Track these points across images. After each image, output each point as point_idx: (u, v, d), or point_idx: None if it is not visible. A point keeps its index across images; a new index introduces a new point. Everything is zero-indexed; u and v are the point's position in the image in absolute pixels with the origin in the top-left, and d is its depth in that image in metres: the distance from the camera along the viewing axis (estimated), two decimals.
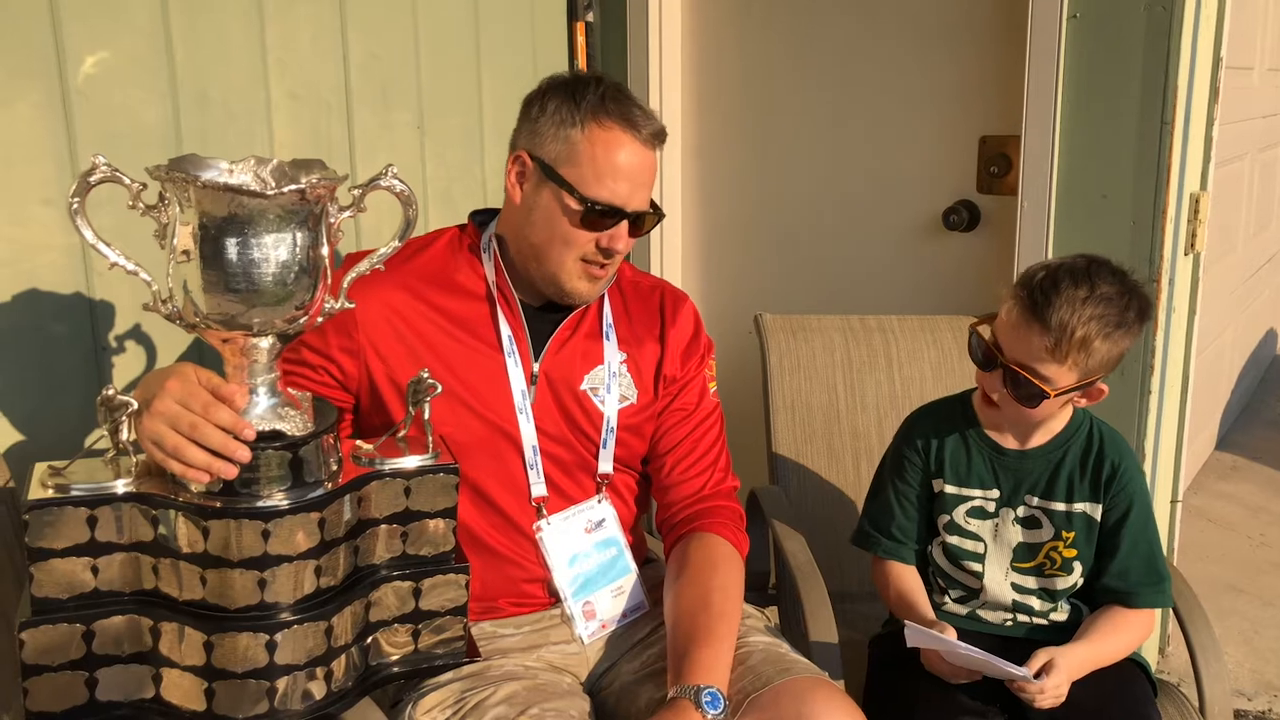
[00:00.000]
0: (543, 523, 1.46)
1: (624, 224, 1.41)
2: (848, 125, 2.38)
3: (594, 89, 1.39)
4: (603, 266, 1.43)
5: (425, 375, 1.24)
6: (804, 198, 2.48)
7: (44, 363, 1.62)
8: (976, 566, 1.53)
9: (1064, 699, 1.39)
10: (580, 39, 2.50)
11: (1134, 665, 1.52)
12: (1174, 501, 2.28)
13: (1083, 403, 1.48)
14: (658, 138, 1.42)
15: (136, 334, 1.71)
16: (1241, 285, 3.86)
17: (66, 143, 1.61)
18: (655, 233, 2.60)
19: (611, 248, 1.41)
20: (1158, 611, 1.73)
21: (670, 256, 2.66)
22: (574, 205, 1.38)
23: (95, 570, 1.13)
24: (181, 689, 1.15)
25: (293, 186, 1.08)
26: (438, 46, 2.17)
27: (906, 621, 1.41)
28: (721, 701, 1.24)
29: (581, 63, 2.51)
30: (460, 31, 2.23)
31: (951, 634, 1.41)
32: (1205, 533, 3.15)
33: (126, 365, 1.71)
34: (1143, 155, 1.93)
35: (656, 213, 1.46)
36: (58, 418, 1.62)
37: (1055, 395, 1.40)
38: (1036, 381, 1.39)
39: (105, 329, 1.69)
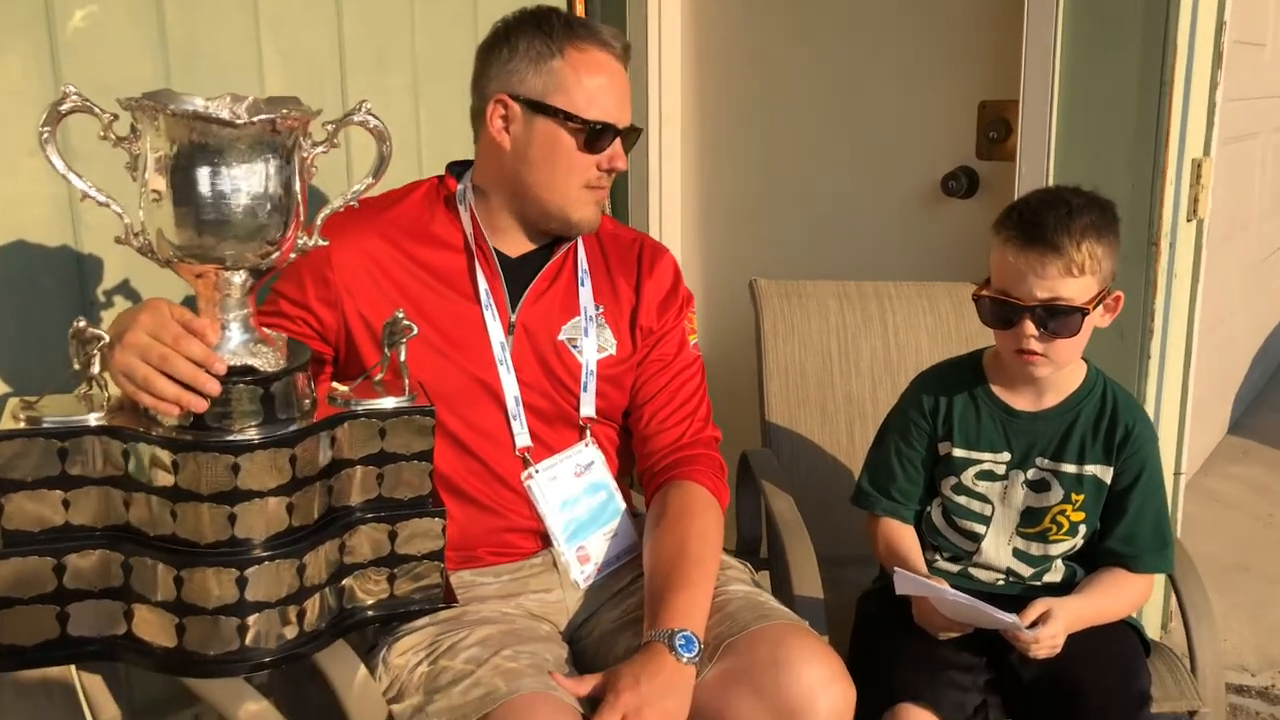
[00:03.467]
0: (531, 470, 1.46)
1: (619, 141, 1.43)
2: (847, 91, 2.36)
3: (557, 18, 1.41)
4: (603, 189, 1.46)
5: (400, 316, 1.23)
6: (803, 164, 2.46)
7: (32, 316, 1.62)
8: (980, 528, 1.51)
9: (1059, 650, 1.37)
10: (579, 4, 2.49)
11: (1126, 625, 1.50)
12: (1177, 474, 2.24)
13: (1108, 319, 1.45)
14: (628, 52, 1.46)
15: (125, 288, 1.71)
16: (1256, 265, 3.82)
17: (55, 96, 1.61)
18: (654, 199, 2.59)
19: (614, 167, 1.44)
20: (1159, 580, 1.71)
21: (670, 223, 2.64)
22: (574, 129, 1.39)
23: (66, 504, 1.13)
24: (152, 625, 1.15)
25: (262, 116, 1.08)
26: (433, 11, 2.17)
27: (895, 568, 1.40)
28: (696, 645, 1.23)
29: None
30: None
31: (945, 585, 1.39)
32: (1214, 512, 3.12)
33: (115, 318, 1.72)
34: (1142, 116, 1.90)
35: (638, 130, 1.49)
36: (46, 370, 1.62)
37: (1092, 309, 1.39)
38: (1068, 303, 1.37)
39: (94, 283, 1.69)
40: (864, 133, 2.35)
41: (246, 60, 1.84)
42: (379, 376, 1.28)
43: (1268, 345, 4.25)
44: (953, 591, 1.34)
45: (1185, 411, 2.21)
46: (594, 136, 1.39)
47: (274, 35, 1.88)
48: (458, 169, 1.53)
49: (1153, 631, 2.23)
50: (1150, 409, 2.03)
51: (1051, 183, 2.00)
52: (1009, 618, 1.32)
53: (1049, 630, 1.34)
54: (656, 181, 2.58)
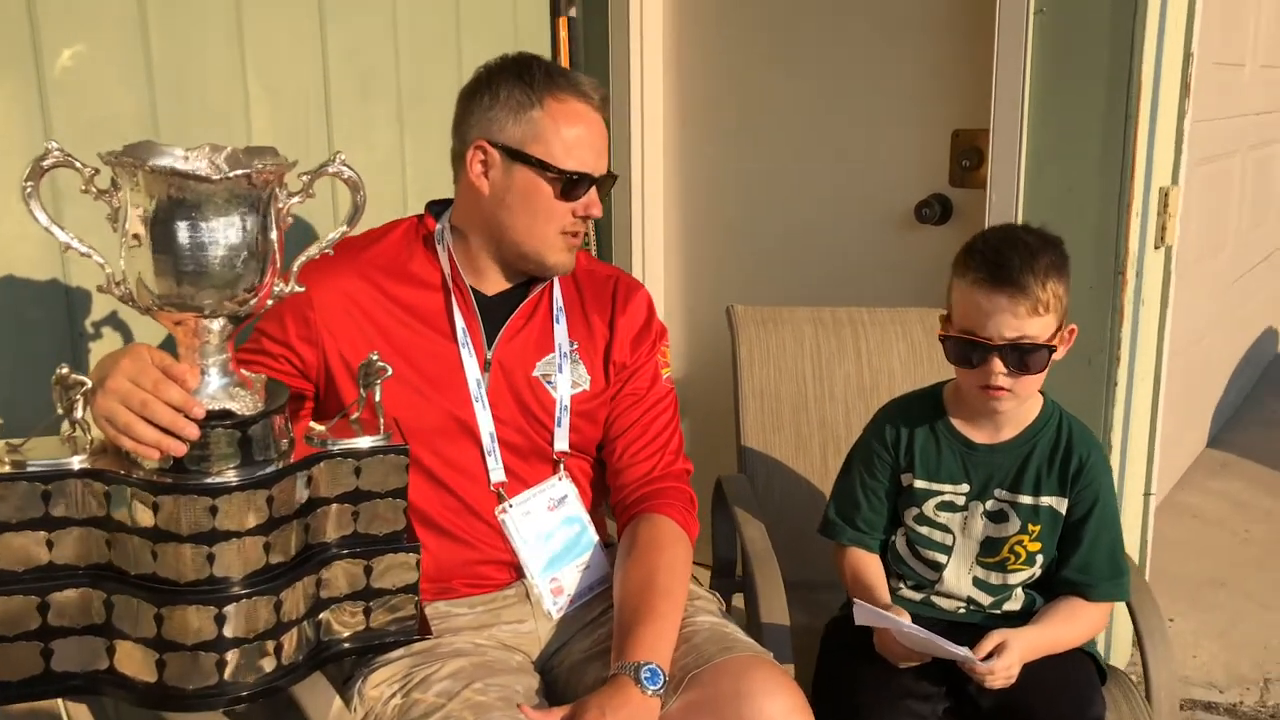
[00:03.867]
0: (506, 506, 1.50)
1: (594, 189, 1.47)
2: (824, 119, 2.41)
3: (538, 67, 1.45)
4: (577, 235, 1.50)
5: (375, 358, 1.27)
6: (781, 191, 2.51)
7: (21, 348, 1.66)
8: (942, 558, 1.55)
9: (1014, 680, 1.41)
10: (563, 34, 2.54)
11: (1082, 652, 1.54)
12: (1147, 494, 2.29)
13: (1063, 351, 1.48)
14: (606, 103, 1.50)
15: (113, 320, 1.75)
16: (1235, 282, 3.86)
17: (43, 135, 1.65)
18: (637, 224, 2.64)
19: (590, 213, 1.48)
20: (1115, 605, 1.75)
21: (652, 249, 2.69)
22: (551, 178, 1.43)
23: (50, 544, 1.17)
24: (134, 660, 1.19)
25: (238, 171, 1.11)
26: (417, 41, 2.21)
27: (855, 600, 1.44)
28: (661, 678, 1.27)
29: (564, 57, 2.54)
30: (441, 26, 2.26)
31: (905, 617, 1.44)
32: (1191, 528, 3.16)
33: (103, 350, 1.75)
34: (1108, 149, 1.95)
35: (614, 176, 1.53)
36: (34, 402, 1.66)
37: (1057, 346, 1.44)
38: (1034, 341, 1.42)
39: (82, 315, 1.73)
40: (842, 160, 2.40)
41: (232, 96, 1.88)
42: (355, 415, 1.32)
43: (1248, 358, 4.30)
44: (909, 624, 1.38)
45: (1155, 435, 2.26)
46: (570, 185, 1.44)
47: (259, 71, 1.92)
48: (436, 208, 1.57)
49: (1123, 651, 2.28)
50: (1118, 434, 2.07)
51: (1021, 210, 2.05)
52: (961, 651, 1.36)
53: (1003, 662, 1.38)
54: (639, 210, 2.63)
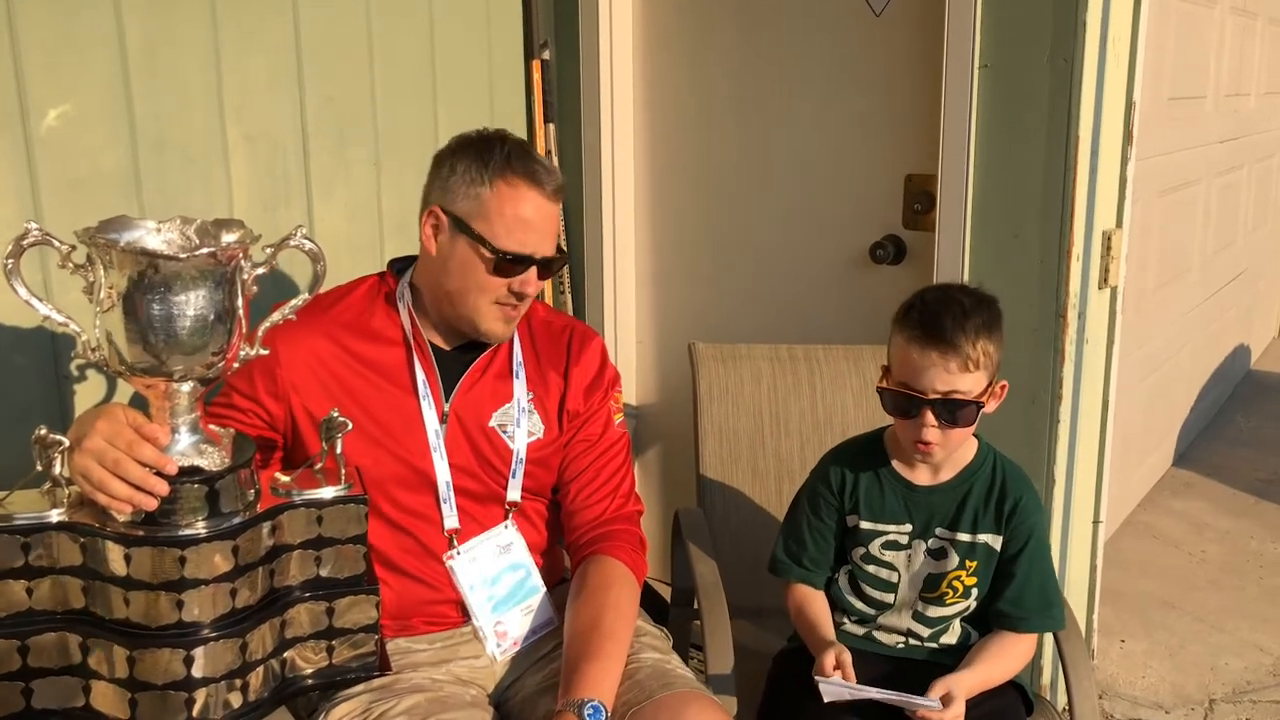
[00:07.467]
0: (454, 552, 1.58)
1: (533, 269, 1.53)
2: (786, 164, 2.50)
3: (500, 149, 1.51)
4: (515, 307, 1.55)
5: (335, 414, 1.36)
6: (745, 231, 2.59)
7: (8, 391, 1.75)
8: (888, 596, 1.64)
9: None
10: (537, 76, 2.62)
11: (1010, 684, 1.62)
12: (1095, 522, 2.37)
13: (993, 405, 1.57)
14: (559, 192, 1.55)
15: (96, 365, 1.83)
16: (1201, 304, 3.95)
17: (30, 189, 1.74)
18: (609, 263, 2.73)
19: (523, 291, 1.53)
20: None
21: (624, 287, 2.78)
22: (487, 255, 1.50)
23: (29, 591, 1.25)
24: (108, 699, 1.28)
25: (204, 250, 1.20)
26: (394, 86, 2.29)
27: (819, 679, 1.49)
28: (603, 713, 1.36)
29: (538, 99, 2.62)
30: (417, 71, 2.34)
31: (847, 659, 1.51)
32: (1148, 549, 3.24)
33: (87, 393, 1.84)
34: (1048, 197, 2.03)
35: (562, 256, 1.60)
36: (22, 442, 1.74)
37: (986, 401, 1.53)
38: (965, 398, 1.51)
39: (66, 360, 1.81)
40: (802, 202, 2.49)
41: (212, 145, 1.97)
42: (319, 466, 1.41)
43: (1219, 375, 4.39)
44: (871, 690, 1.46)
45: (1102, 465, 2.34)
46: (505, 264, 1.50)
47: (237, 119, 2.01)
48: (398, 266, 1.66)
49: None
50: (1062, 467, 2.16)
51: (968, 253, 2.14)
52: (925, 702, 1.46)
53: (954, 710, 1.47)
54: (610, 250, 2.74)
